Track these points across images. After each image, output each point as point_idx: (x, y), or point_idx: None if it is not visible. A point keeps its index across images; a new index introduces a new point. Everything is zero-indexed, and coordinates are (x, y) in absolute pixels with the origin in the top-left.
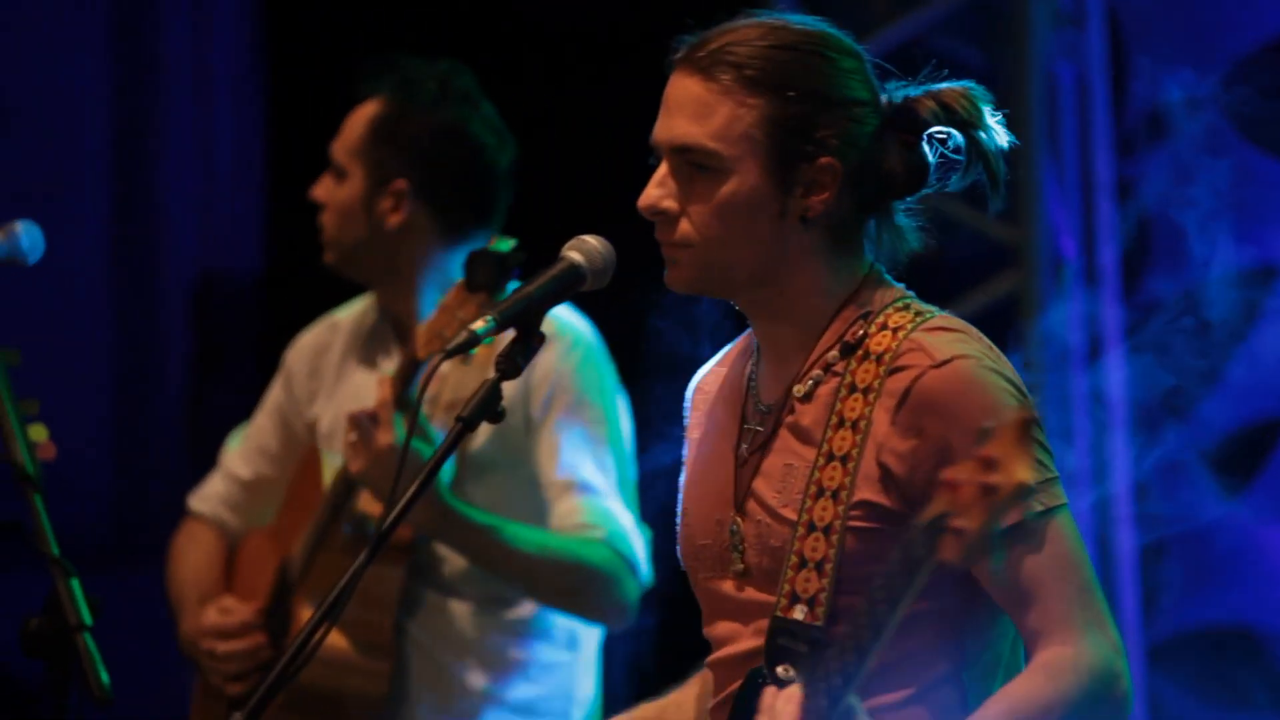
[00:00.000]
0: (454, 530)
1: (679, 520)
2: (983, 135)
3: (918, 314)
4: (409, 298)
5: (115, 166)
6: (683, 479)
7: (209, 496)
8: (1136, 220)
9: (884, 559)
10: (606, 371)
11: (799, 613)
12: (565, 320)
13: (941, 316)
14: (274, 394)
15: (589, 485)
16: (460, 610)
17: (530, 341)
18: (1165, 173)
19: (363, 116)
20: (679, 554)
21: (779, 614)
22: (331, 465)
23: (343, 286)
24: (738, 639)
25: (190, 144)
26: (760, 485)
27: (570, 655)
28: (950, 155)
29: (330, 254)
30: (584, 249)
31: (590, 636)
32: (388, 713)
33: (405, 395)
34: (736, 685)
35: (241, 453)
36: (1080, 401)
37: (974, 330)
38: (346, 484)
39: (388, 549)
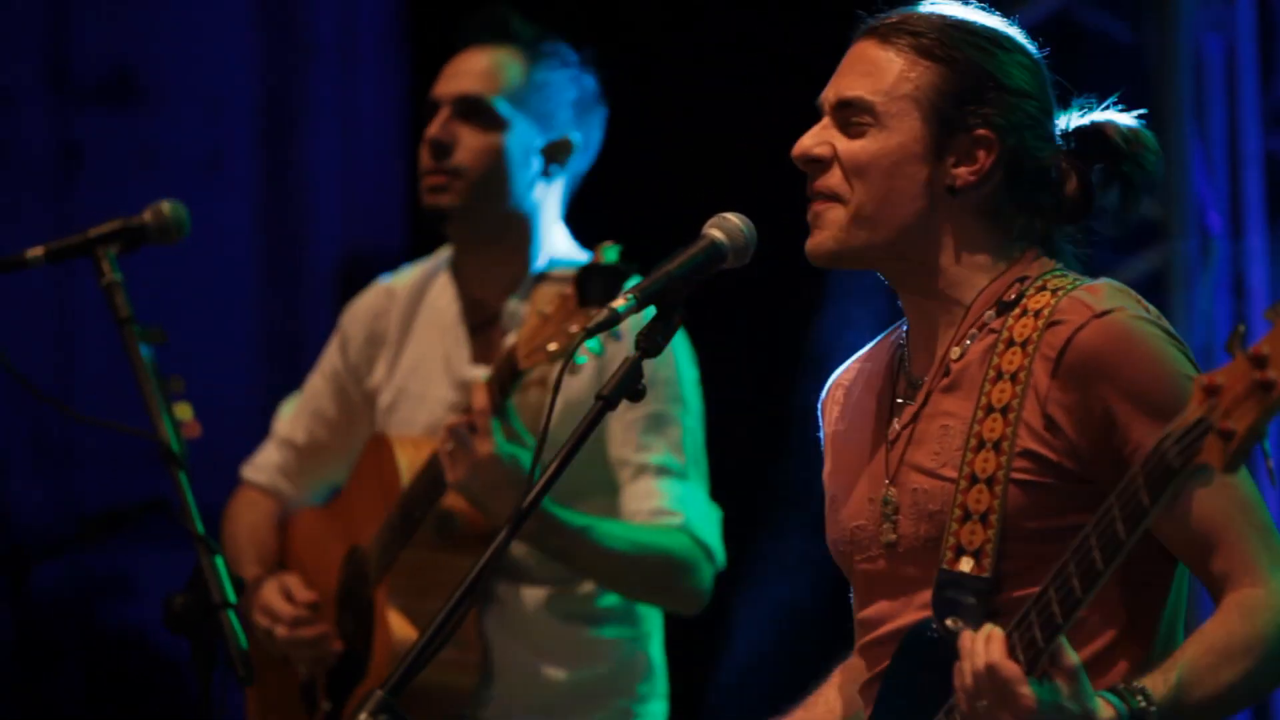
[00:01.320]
0: (551, 534)
1: (827, 513)
2: (1152, 174)
3: (1076, 279)
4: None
5: (261, 143)
6: (825, 473)
7: (264, 465)
8: None
9: (1046, 515)
10: (682, 349)
11: (965, 565)
12: None
13: (1104, 280)
14: (329, 358)
15: (666, 467)
16: (531, 597)
17: (671, 320)
18: None
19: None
20: (829, 546)
21: (945, 566)
22: (407, 456)
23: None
24: (892, 617)
25: (335, 119)
26: (915, 453)
27: (631, 630)
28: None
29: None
30: (725, 226)
31: (650, 610)
32: (476, 706)
33: (503, 403)
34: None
35: (296, 418)
36: None
37: (1135, 293)
38: (433, 483)
39: (467, 539)
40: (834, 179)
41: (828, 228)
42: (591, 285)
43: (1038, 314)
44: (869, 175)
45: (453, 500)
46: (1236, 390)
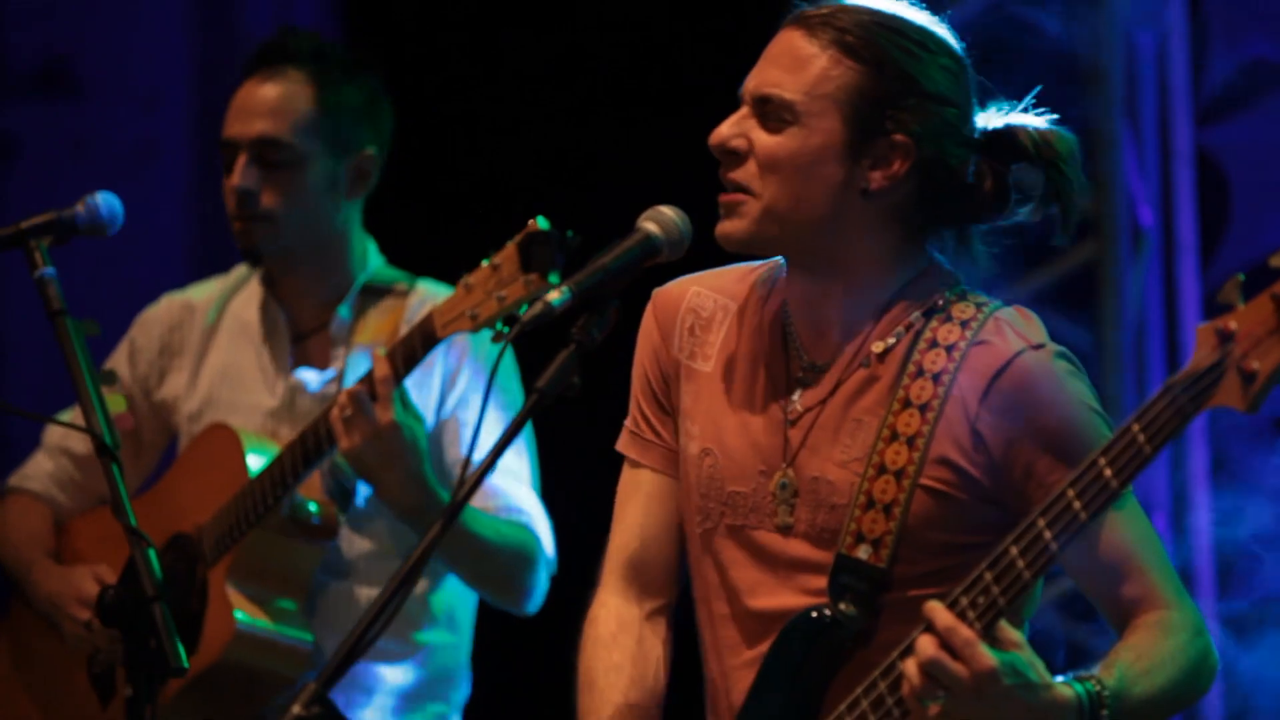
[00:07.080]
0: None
1: (696, 457)
2: (1069, 176)
3: (991, 298)
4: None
5: (196, 137)
6: (685, 403)
7: (35, 474)
8: (1216, 189)
9: (952, 530)
10: (511, 357)
11: (863, 552)
12: None
13: (1017, 306)
14: (117, 368)
15: (506, 469)
16: (365, 597)
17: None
18: (1245, 141)
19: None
20: (685, 486)
21: (844, 551)
22: (257, 447)
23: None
24: (771, 593)
25: None
26: (822, 442)
27: (452, 637)
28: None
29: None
30: (660, 219)
31: (467, 617)
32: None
33: (405, 375)
34: (770, 641)
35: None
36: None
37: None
38: (294, 466)
39: (315, 528)
40: (747, 173)
41: (741, 218)
42: (534, 252)
43: (965, 324)
44: (783, 173)
45: (307, 490)
46: (1257, 331)
